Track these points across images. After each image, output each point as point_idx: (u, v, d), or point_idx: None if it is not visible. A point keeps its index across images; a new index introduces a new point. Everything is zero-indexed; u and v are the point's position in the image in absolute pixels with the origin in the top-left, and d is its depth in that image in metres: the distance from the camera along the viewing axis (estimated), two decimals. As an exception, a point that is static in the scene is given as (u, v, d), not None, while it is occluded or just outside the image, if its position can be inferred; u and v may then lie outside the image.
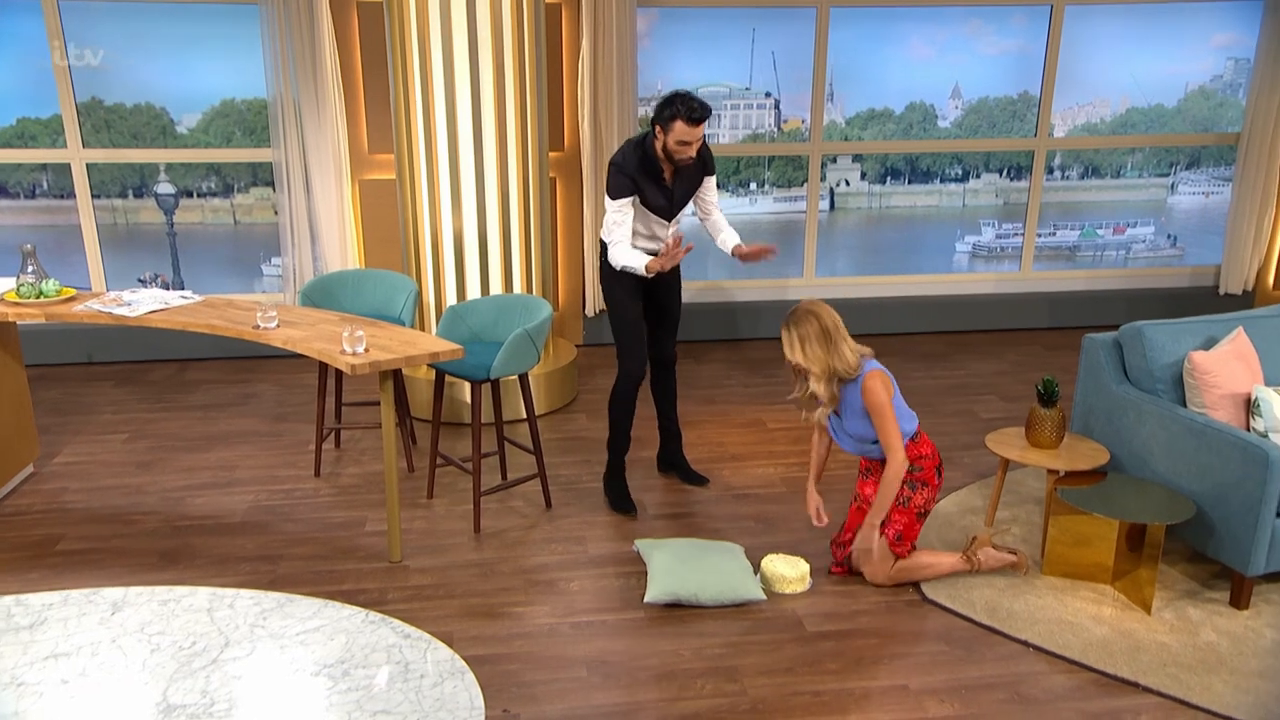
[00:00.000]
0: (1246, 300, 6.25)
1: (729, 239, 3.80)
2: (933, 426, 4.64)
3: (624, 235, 3.59)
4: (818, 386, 3.12)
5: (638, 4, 5.33)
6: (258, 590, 2.26)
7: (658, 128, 3.50)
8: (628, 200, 3.57)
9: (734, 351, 5.77)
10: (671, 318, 3.90)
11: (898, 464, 3.09)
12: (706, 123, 3.46)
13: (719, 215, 3.85)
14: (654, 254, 3.69)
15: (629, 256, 3.58)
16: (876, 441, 3.17)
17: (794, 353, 3.11)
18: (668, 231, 3.73)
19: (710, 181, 3.77)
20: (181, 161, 5.42)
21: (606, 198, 3.58)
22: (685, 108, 3.40)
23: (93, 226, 5.45)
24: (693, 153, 3.50)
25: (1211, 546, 3.18)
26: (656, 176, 3.60)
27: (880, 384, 3.08)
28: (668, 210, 3.68)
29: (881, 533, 3.24)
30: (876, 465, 3.29)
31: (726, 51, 5.61)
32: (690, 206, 3.80)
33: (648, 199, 3.62)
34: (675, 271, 3.88)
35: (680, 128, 3.42)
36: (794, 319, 3.13)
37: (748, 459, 4.32)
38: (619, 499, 3.85)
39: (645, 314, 3.80)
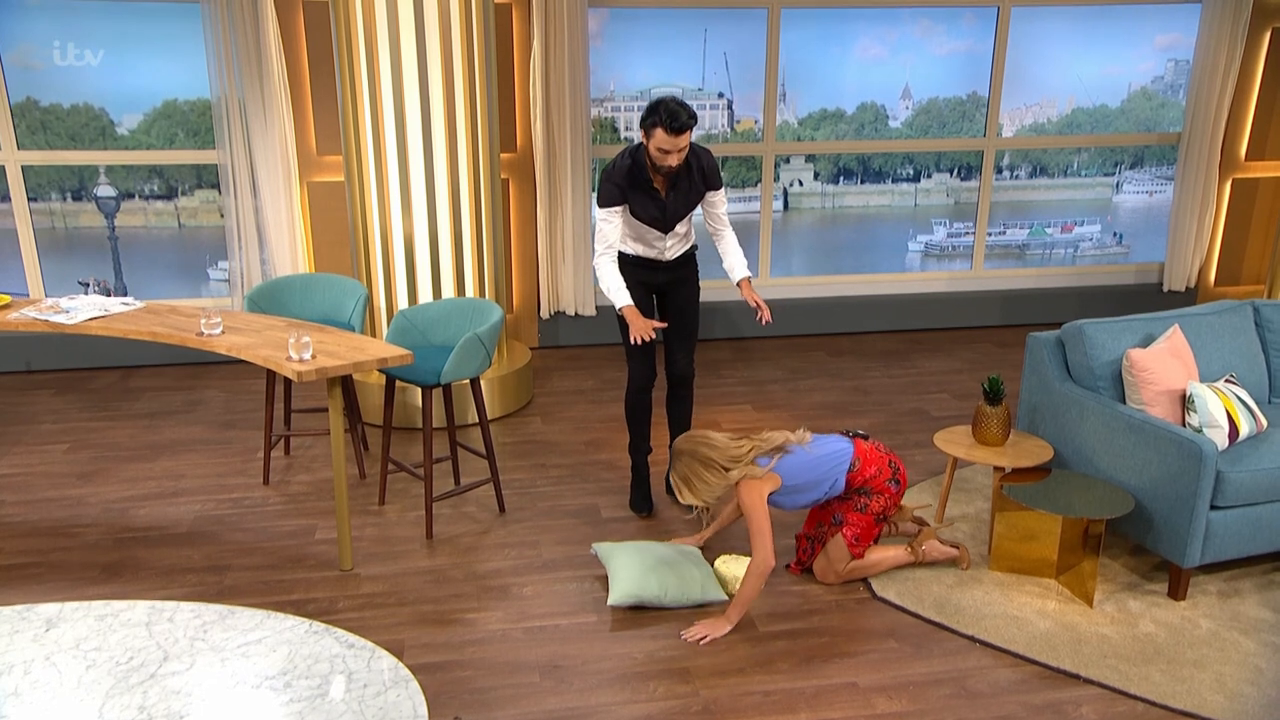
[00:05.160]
0: (1189, 297, 6.41)
1: (737, 269, 3.62)
2: (887, 424, 4.70)
3: (607, 246, 3.47)
4: (718, 502, 3.16)
5: (589, 4, 5.32)
6: (200, 603, 2.22)
7: (643, 134, 3.38)
8: (615, 209, 3.46)
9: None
10: (684, 328, 3.68)
11: (759, 561, 3.03)
12: (691, 131, 3.31)
13: (729, 235, 3.67)
14: (648, 262, 3.60)
15: (611, 280, 3.45)
16: (820, 494, 3.20)
17: (688, 497, 3.09)
18: (665, 244, 3.60)
19: (715, 196, 3.62)
20: (122, 163, 5.30)
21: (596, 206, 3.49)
22: (667, 115, 3.25)
23: (29, 230, 5.31)
24: (674, 162, 3.36)
25: (1150, 539, 3.25)
26: (646, 186, 3.47)
27: (755, 492, 3.03)
28: (661, 222, 3.53)
29: (839, 533, 3.28)
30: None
31: (679, 52, 5.62)
32: (699, 215, 3.67)
33: (636, 209, 3.50)
34: (691, 272, 3.72)
35: (661, 136, 3.29)
36: (672, 464, 3.11)
37: (702, 459, 4.32)
38: (635, 499, 3.83)
39: (663, 318, 3.66)
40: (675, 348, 3.72)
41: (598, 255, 3.51)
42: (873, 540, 3.31)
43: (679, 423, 3.85)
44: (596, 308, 5.81)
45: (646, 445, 3.82)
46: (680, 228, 3.63)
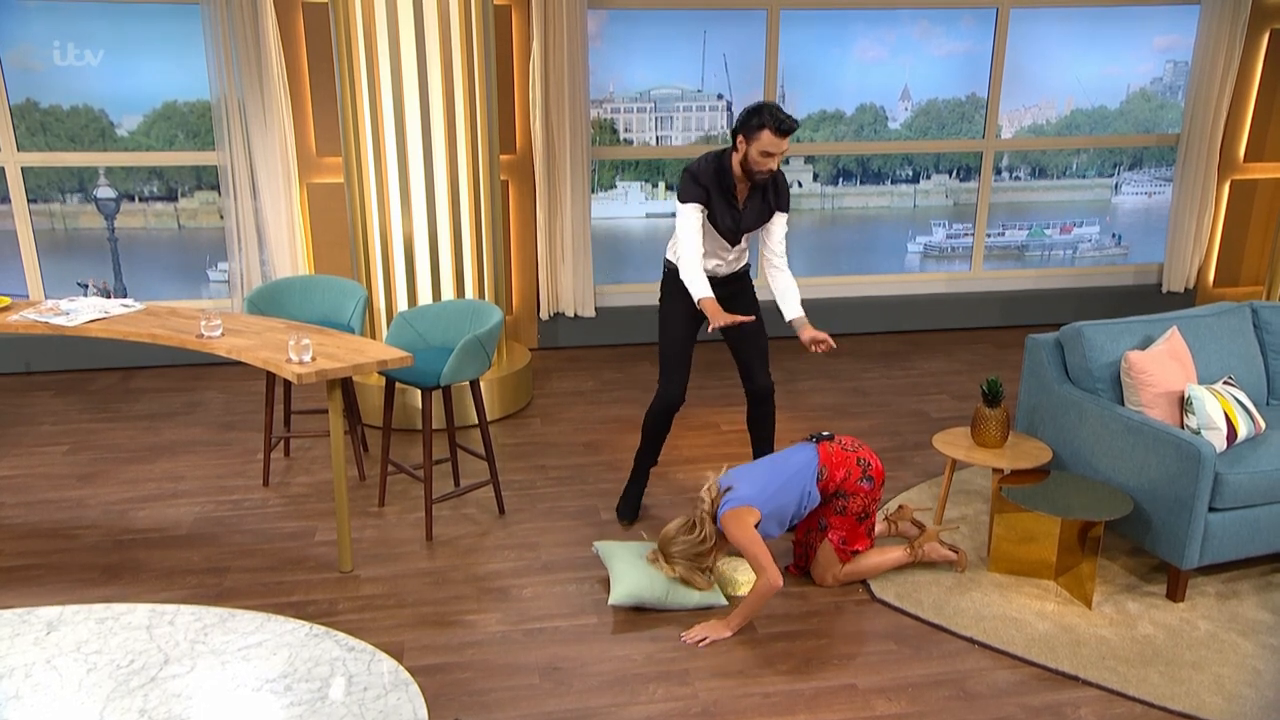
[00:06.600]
0: (1188, 298, 6.42)
1: (791, 305, 3.56)
2: (886, 426, 4.71)
3: (692, 244, 3.42)
4: (717, 554, 3.24)
5: (588, 5, 5.32)
6: (200, 605, 2.22)
7: (740, 139, 3.37)
8: (696, 207, 3.44)
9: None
10: (756, 340, 3.63)
11: (763, 582, 3.02)
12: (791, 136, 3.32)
13: (782, 264, 3.62)
14: (711, 278, 3.57)
15: (694, 274, 3.40)
16: (801, 508, 3.20)
17: (701, 584, 3.23)
18: (731, 256, 3.60)
19: (780, 218, 3.61)
20: (122, 165, 5.30)
21: (676, 202, 3.48)
22: (774, 118, 3.27)
23: (29, 232, 5.32)
24: (774, 165, 3.38)
25: (1149, 541, 3.26)
26: (729, 193, 3.47)
27: (742, 528, 3.05)
28: (733, 233, 3.52)
29: (825, 539, 3.29)
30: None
31: (678, 54, 5.62)
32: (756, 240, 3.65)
33: (716, 215, 3.49)
34: (748, 285, 3.71)
35: (767, 138, 3.30)
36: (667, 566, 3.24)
37: (701, 461, 4.33)
38: (622, 506, 3.82)
39: (729, 341, 3.66)
40: (751, 362, 3.67)
41: (683, 256, 3.44)
42: (863, 537, 3.31)
43: (764, 444, 3.79)
44: (596, 309, 5.82)
45: (654, 460, 3.81)
46: (744, 242, 3.65)
